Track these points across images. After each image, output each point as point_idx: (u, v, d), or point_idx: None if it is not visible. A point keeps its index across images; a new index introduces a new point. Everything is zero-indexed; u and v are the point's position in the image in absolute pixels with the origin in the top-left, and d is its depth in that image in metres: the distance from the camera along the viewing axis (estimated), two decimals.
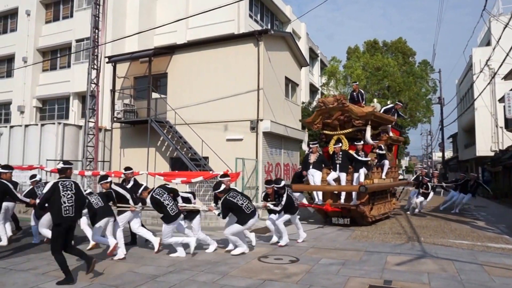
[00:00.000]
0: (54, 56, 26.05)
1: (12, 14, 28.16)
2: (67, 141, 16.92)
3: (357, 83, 15.07)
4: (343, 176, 11.48)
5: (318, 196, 11.94)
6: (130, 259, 7.22)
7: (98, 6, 17.38)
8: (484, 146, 28.40)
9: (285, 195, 8.42)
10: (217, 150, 14.66)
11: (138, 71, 17.52)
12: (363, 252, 7.86)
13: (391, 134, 13.66)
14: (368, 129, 12.01)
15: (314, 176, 11.67)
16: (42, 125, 17.34)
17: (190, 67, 16.41)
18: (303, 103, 24.25)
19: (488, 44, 28.92)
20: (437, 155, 61.57)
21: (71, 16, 24.89)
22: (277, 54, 16.34)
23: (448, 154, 54.26)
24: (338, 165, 11.53)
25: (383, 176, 12.64)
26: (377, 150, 12.39)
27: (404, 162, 72.12)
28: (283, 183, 8.76)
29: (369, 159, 11.49)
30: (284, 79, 17.03)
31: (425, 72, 28.87)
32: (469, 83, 30.72)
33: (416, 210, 14.73)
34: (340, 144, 11.96)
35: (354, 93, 13.86)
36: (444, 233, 10.40)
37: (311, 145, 12.16)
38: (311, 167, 11.74)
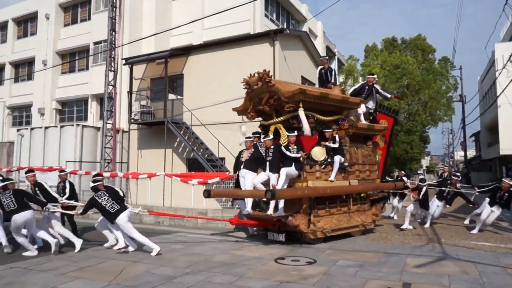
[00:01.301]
0: (73, 59, 26.49)
1: (32, 18, 28.80)
2: (85, 142, 17.18)
3: (327, 57, 11.96)
4: (272, 177, 8.65)
5: (247, 203, 9.25)
6: (148, 259, 7.25)
7: (114, 9, 17.60)
8: (509, 145, 27.67)
9: None
10: (234, 151, 14.64)
11: (155, 72, 17.66)
12: (382, 253, 7.72)
13: (363, 120, 10.45)
14: (302, 114, 8.70)
15: (246, 178, 9.14)
16: (62, 127, 17.65)
17: (206, 68, 16.45)
18: None
19: (511, 39, 28.24)
20: (459, 154, 60.46)
21: (89, 18, 25.28)
22: (293, 53, 16.25)
23: (471, 153, 53.09)
24: (268, 163, 8.89)
25: (332, 177, 9.11)
26: (328, 143, 9.26)
27: (425, 162, 70.86)
28: None
29: (299, 155, 8.58)
30: (301, 79, 16.93)
31: (445, 69, 28.29)
32: (492, 79, 30.00)
33: (428, 221, 11.35)
34: (271, 137, 9.21)
35: (323, 71, 11.29)
36: (465, 234, 10.15)
37: (245, 140, 9.77)
38: (242, 166, 9.31)
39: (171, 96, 17.02)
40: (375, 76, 11.50)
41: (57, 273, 6.29)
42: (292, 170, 8.54)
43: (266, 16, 22.17)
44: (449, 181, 11.25)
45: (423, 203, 11.01)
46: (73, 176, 15.81)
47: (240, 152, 9.80)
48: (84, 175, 15.50)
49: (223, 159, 15.38)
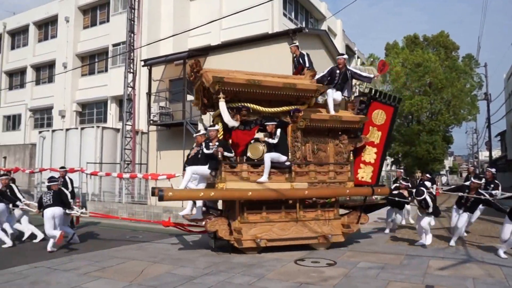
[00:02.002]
0: (92, 61, 26.90)
1: (53, 21, 29.37)
2: (105, 144, 17.42)
3: (295, 43, 10.36)
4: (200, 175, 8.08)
5: (188, 204, 8.74)
6: (168, 260, 7.30)
7: (133, 10, 17.78)
8: None
9: None
10: None
11: (173, 73, 17.77)
12: (403, 255, 7.60)
13: (331, 111, 8.77)
14: (222, 105, 7.61)
15: (184, 177, 8.13)
16: (82, 128, 17.93)
17: (225, 68, 16.45)
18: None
19: None
20: (483, 155, 59.10)
21: (108, 20, 25.63)
22: (312, 52, 16.00)
23: (496, 153, 51.85)
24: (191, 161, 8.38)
25: (263, 179, 7.72)
26: (267, 138, 8.07)
27: (448, 163, 69.49)
28: None
29: (211, 151, 7.68)
30: None
31: (469, 67, 27.62)
32: None
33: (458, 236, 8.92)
34: (202, 132, 8.75)
35: (295, 58, 10.00)
36: (490, 236, 9.92)
37: (195, 135, 8.94)
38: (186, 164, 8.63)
39: (189, 97, 17.09)
40: (344, 56, 9.69)
41: (79, 272, 6.38)
42: (202, 168, 7.90)
43: (285, 15, 22.11)
44: (470, 184, 8.83)
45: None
46: (93, 177, 16.06)
47: (191, 149, 8.91)
48: (104, 176, 15.72)
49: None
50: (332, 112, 8.77)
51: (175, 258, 7.46)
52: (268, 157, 7.76)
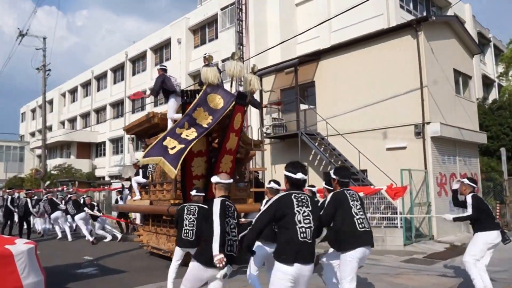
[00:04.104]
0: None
1: (166, 44, 30.91)
2: None
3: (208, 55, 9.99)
4: None
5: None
6: None
7: (240, 23, 17.39)
8: None
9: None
10: (377, 162, 12.94)
11: (284, 83, 16.91)
12: None
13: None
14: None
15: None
16: None
17: (339, 72, 15.09)
18: (477, 99, 20.61)
19: None
20: None
21: (216, 37, 25.99)
22: (441, 43, 13.93)
23: None
24: None
25: (136, 197, 10.73)
26: None
27: None
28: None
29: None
30: (453, 72, 14.47)
31: None
32: None
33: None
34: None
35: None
36: None
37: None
38: None
39: (303, 106, 16.04)
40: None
41: None
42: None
43: (402, 7, 19.82)
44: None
45: None
46: None
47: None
48: None
49: (364, 171, 13.74)
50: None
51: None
52: (133, 180, 10.82)
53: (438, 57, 13.40)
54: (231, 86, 9.40)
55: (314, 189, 7.22)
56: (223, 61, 24.46)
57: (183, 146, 7.43)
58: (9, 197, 14.60)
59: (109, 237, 13.76)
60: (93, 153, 41.22)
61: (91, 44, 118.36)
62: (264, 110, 17.17)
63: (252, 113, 19.76)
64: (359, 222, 4.55)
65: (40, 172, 28.54)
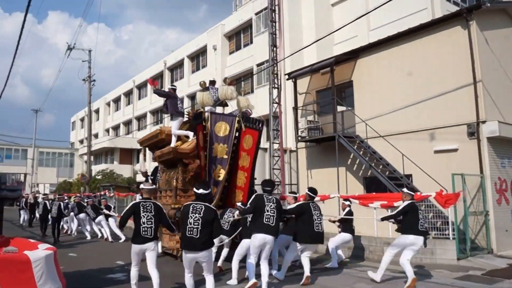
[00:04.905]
0: (238, 83, 26.96)
1: (202, 52, 30.76)
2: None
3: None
4: None
5: None
6: None
7: (274, 23, 16.66)
8: None
9: None
10: (423, 165, 11.67)
11: (320, 84, 15.96)
12: None
13: (173, 142, 10.70)
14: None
15: None
16: None
17: (379, 70, 13.98)
18: None
19: None
20: None
21: (251, 42, 25.39)
22: (497, 33, 12.53)
23: None
24: None
25: None
26: None
27: None
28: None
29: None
30: None
31: None
32: None
33: None
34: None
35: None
36: None
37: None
38: None
39: (340, 108, 14.99)
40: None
41: None
42: None
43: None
44: None
45: None
46: None
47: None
48: None
49: (409, 176, 12.48)
50: (173, 144, 10.21)
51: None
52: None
53: (493, 48, 11.99)
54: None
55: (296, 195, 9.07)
56: (258, 65, 23.81)
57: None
58: (60, 203, 14.54)
59: (123, 238, 14.22)
60: (134, 158, 42.05)
61: (134, 56, 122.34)
62: (299, 112, 16.29)
63: (288, 116, 18.91)
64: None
65: (85, 177, 30.01)
